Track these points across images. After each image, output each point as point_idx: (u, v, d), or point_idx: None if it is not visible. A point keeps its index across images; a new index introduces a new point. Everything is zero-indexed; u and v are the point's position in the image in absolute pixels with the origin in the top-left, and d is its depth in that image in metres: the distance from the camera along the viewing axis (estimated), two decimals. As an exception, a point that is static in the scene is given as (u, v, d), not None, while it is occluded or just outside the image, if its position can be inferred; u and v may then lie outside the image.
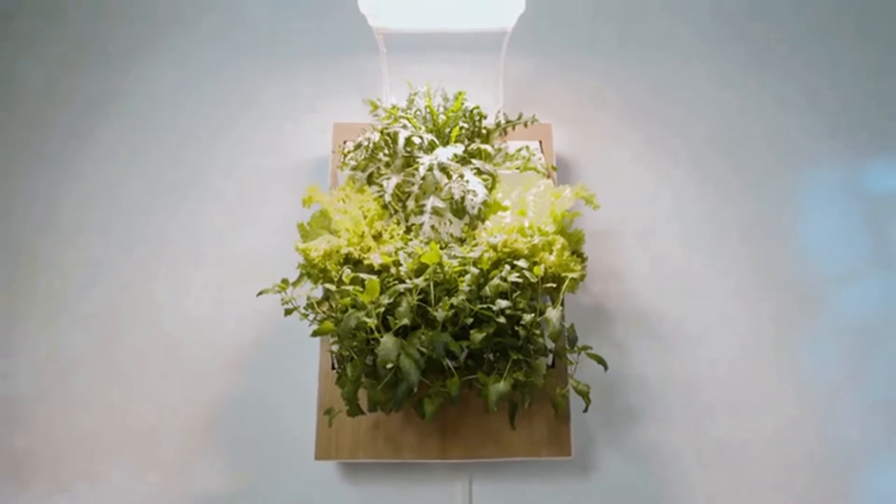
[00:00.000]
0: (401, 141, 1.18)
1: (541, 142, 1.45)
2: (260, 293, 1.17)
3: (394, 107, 1.25)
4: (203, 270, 1.45)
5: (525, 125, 1.36)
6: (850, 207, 1.55)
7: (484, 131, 1.33)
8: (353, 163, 1.29)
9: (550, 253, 1.17)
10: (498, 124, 1.35)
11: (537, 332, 1.09)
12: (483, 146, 1.25)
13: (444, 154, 1.17)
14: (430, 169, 1.17)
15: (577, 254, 1.24)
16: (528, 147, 1.35)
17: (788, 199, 1.55)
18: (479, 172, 1.21)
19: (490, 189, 1.23)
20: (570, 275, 1.16)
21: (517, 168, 1.30)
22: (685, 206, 1.54)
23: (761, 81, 1.67)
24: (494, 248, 1.14)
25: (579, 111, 1.62)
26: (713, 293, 1.46)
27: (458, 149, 1.20)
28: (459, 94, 1.26)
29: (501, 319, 1.04)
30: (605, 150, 1.59)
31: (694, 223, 1.53)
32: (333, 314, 1.11)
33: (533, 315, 1.08)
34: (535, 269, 1.11)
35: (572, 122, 1.60)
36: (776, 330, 1.43)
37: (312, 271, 1.15)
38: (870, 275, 1.49)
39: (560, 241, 1.18)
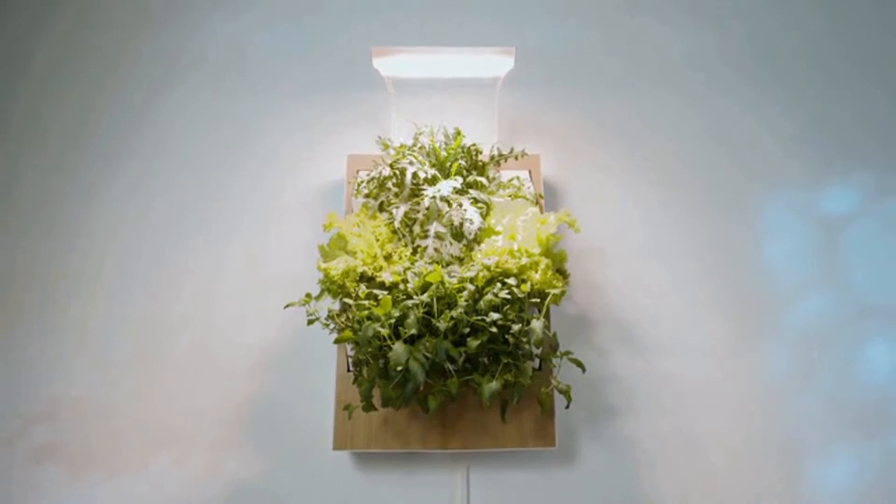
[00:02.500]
0: (408, 176, 1.37)
1: (530, 171, 1.64)
2: (287, 306, 1.36)
3: (402, 145, 1.44)
4: (229, 286, 1.61)
5: (516, 158, 1.55)
6: (805, 228, 1.72)
7: (480, 163, 1.53)
8: (365, 191, 1.48)
9: (536, 272, 1.36)
10: (492, 157, 1.54)
11: (524, 339, 1.27)
12: (479, 178, 1.45)
13: (446, 187, 1.37)
14: (434, 199, 1.36)
15: (560, 272, 1.42)
16: (518, 177, 1.54)
17: (753, 220, 1.73)
18: (475, 201, 1.40)
19: (484, 216, 1.43)
20: (553, 290, 1.34)
21: (509, 196, 1.49)
22: (660, 226, 1.71)
23: (730, 114, 1.86)
24: (488, 268, 1.33)
25: (566, 140, 1.81)
26: (684, 303, 1.61)
27: (457, 182, 1.40)
28: (458, 133, 1.45)
29: (494, 329, 1.23)
30: (588, 175, 1.78)
31: (667, 241, 1.69)
32: (350, 324, 1.30)
33: (520, 325, 1.27)
34: (523, 286, 1.30)
35: (560, 150, 1.80)
36: (739, 336, 1.58)
37: (332, 287, 1.34)
38: (821, 287, 1.65)
39: (544, 262, 1.37)
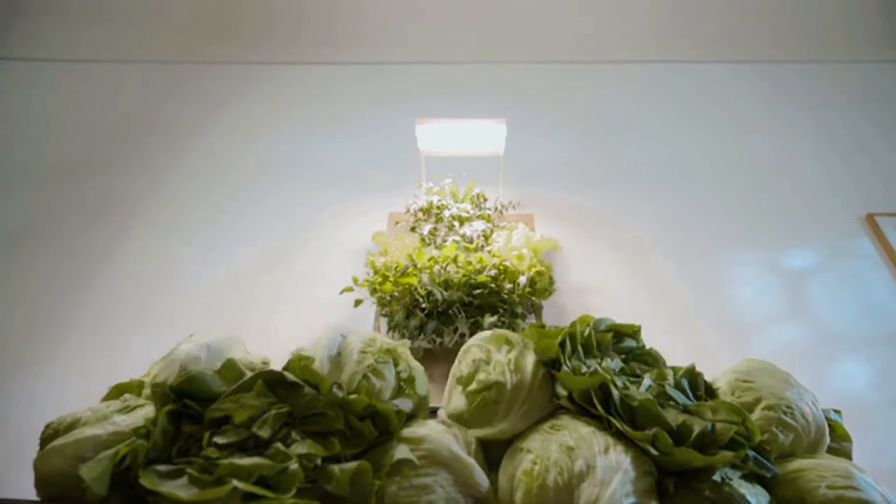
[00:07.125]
0: (434, 202, 1.96)
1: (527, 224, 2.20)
2: (343, 291, 1.82)
3: (430, 187, 2.06)
4: (288, 305, 2.08)
5: (514, 207, 2.13)
6: (772, 276, 2.20)
7: (486, 212, 2.10)
8: (404, 223, 2.05)
9: (529, 271, 1.83)
10: (496, 208, 2.12)
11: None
12: (486, 212, 2.02)
13: (460, 207, 1.94)
14: (451, 217, 1.92)
15: (548, 277, 1.88)
16: (517, 224, 2.09)
17: (730, 271, 2.21)
18: (481, 217, 1.95)
19: (487, 236, 1.96)
20: (543, 285, 1.80)
21: (508, 226, 2.04)
22: (648, 272, 2.19)
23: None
24: (492, 253, 1.82)
25: (559, 205, 2.40)
26: (672, 337, 1.91)
27: (468, 206, 1.97)
28: (472, 182, 2.07)
29: (493, 285, 1.68)
30: (578, 237, 2.31)
31: (657, 285, 2.15)
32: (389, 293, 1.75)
33: (512, 286, 1.71)
34: (518, 257, 1.77)
35: (554, 211, 2.37)
36: (716, 359, 1.93)
37: (377, 272, 1.82)
38: (786, 320, 2.07)
39: (536, 263, 1.85)
